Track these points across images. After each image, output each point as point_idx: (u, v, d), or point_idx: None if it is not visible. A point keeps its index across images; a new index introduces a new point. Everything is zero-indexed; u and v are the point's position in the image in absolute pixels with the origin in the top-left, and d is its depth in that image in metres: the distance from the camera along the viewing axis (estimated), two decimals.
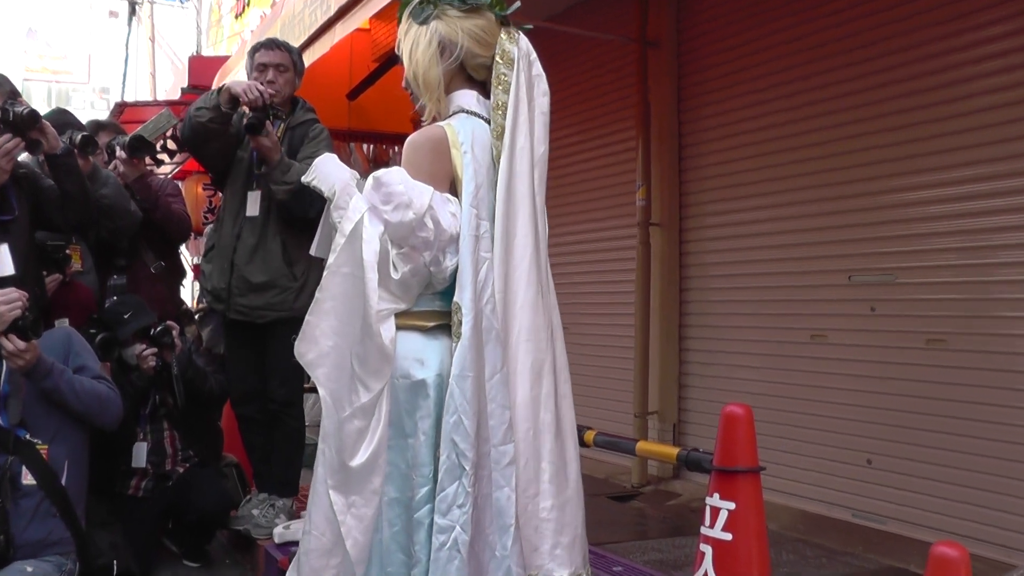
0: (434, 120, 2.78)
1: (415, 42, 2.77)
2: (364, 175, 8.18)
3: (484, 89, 2.80)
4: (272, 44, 4.95)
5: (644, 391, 6.30)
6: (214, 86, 6.66)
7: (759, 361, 5.67)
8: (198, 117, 4.72)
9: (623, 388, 6.59)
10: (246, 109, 4.64)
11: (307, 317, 2.57)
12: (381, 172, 2.58)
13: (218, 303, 4.96)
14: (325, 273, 2.60)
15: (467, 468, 2.47)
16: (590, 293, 7.14)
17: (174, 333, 4.83)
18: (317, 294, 2.58)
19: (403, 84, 2.86)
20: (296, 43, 5.48)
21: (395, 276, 2.57)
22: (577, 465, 2.75)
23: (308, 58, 5.57)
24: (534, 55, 2.81)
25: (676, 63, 6.35)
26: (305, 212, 4.68)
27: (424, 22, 2.77)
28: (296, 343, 2.57)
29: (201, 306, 6.31)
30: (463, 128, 2.68)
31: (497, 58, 2.74)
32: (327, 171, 2.72)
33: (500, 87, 2.71)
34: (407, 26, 2.81)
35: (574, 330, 7.16)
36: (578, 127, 7.30)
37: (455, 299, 2.55)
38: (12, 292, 3.73)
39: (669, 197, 6.32)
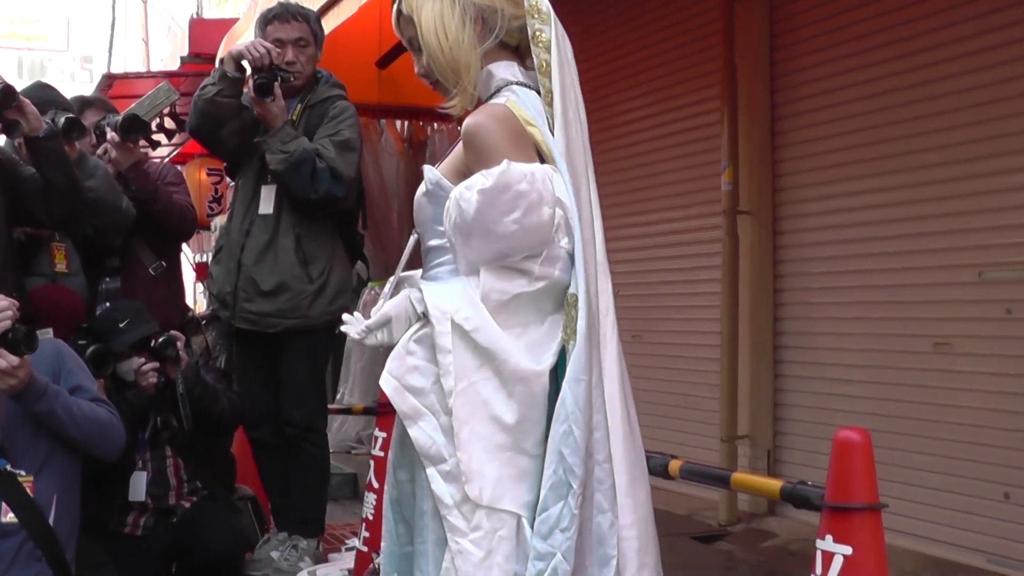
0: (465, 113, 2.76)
1: (439, 16, 2.68)
2: (397, 156, 8.24)
3: (519, 55, 2.79)
4: (287, 14, 4.99)
5: (733, 411, 6.28)
6: (219, 55, 6.74)
7: (871, 375, 5.62)
8: (203, 94, 4.80)
9: (707, 407, 6.57)
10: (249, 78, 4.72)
11: (459, 456, 2.56)
12: (483, 179, 2.49)
13: (223, 309, 5.02)
14: (453, 402, 2.54)
15: (575, 486, 2.49)
16: (667, 295, 7.12)
17: (178, 344, 4.87)
18: (455, 426, 2.53)
19: (419, 71, 2.79)
20: (317, 3, 5.53)
21: (541, 309, 2.58)
22: (647, 476, 2.79)
23: (332, 21, 5.63)
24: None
25: (768, 16, 6.33)
26: (305, 192, 4.74)
27: None
28: (467, 489, 2.53)
29: (206, 312, 6.38)
30: (525, 103, 2.67)
31: (528, 13, 2.70)
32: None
33: (540, 45, 2.68)
34: None
35: (648, 339, 7.17)
36: (649, 97, 7.29)
37: (571, 290, 2.56)
38: (1, 299, 3.75)
39: (760, 180, 6.29)
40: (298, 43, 4.95)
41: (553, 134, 2.63)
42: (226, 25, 9.64)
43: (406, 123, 9.81)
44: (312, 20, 5.09)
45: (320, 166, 4.77)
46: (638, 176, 7.33)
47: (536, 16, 2.68)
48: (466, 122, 2.63)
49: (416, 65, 2.80)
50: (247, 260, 4.93)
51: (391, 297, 2.72)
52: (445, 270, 2.69)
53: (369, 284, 8.43)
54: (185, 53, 10.65)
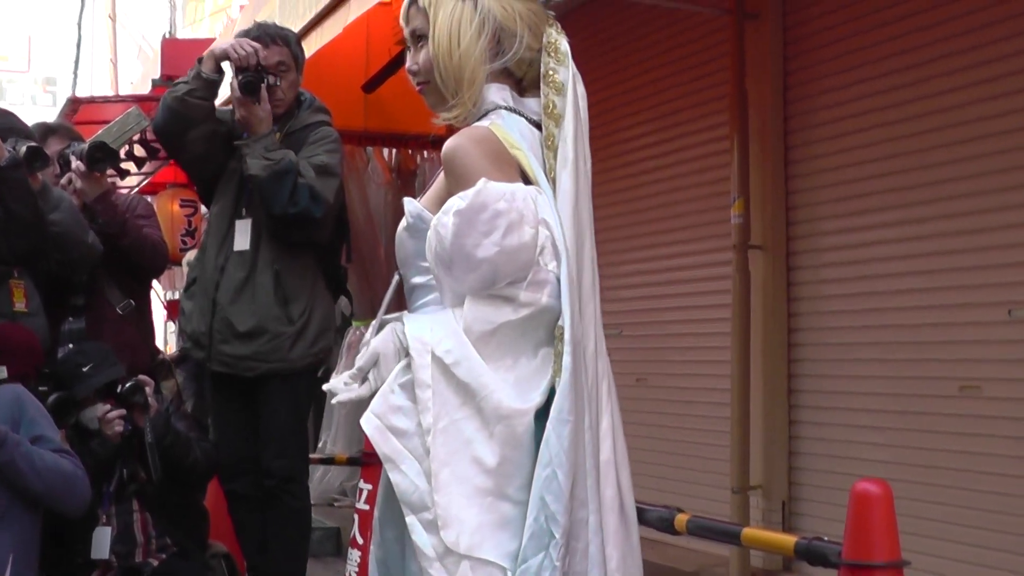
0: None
1: (458, 20, 2.71)
2: (384, 186, 8.27)
3: (519, 86, 2.81)
4: (266, 37, 5.00)
5: (745, 460, 6.26)
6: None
7: (893, 421, 5.61)
8: (175, 92, 4.82)
9: (717, 456, 6.54)
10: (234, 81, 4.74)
11: (437, 499, 2.55)
12: (459, 201, 2.50)
13: (198, 350, 5.02)
14: (432, 441, 2.53)
15: (557, 536, 2.47)
16: (673, 335, 7.11)
17: (147, 390, 4.86)
18: (433, 467, 2.52)
19: (411, 66, 2.80)
20: (299, 23, 5.57)
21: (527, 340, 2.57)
22: (636, 525, 2.77)
23: (315, 42, 5.65)
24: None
25: (781, 38, 6.35)
26: (283, 206, 4.75)
27: None
28: (443, 535, 2.54)
29: (175, 352, 6.37)
30: (510, 127, 2.69)
31: (545, 50, 2.73)
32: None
33: (552, 86, 2.71)
34: None
35: (653, 382, 7.16)
36: (654, 124, 7.30)
37: (558, 321, 2.56)
38: None
39: (773, 212, 6.31)
40: (279, 68, 4.97)
41: (552, 178, 2.65)
42: (201, 45, 9.66)
43: (394, 151, 9.83)
44: (292, 43, 5.11)
45: (301, 181, 4.79)
46: (641, 208, 7.34)
47: (553, 55, 2.72)
48: (445, 145, 2.65)
49: (409, 59, 2.81)
50: (222, 299, 4.93)
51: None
52: (430, 310, 2.69)
53: (353, 323, 8.43)
54: (157, 76, 10.66)
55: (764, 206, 6.32)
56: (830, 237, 6.06)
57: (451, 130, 2.78)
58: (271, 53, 4.95)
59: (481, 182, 2.51)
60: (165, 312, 12.82)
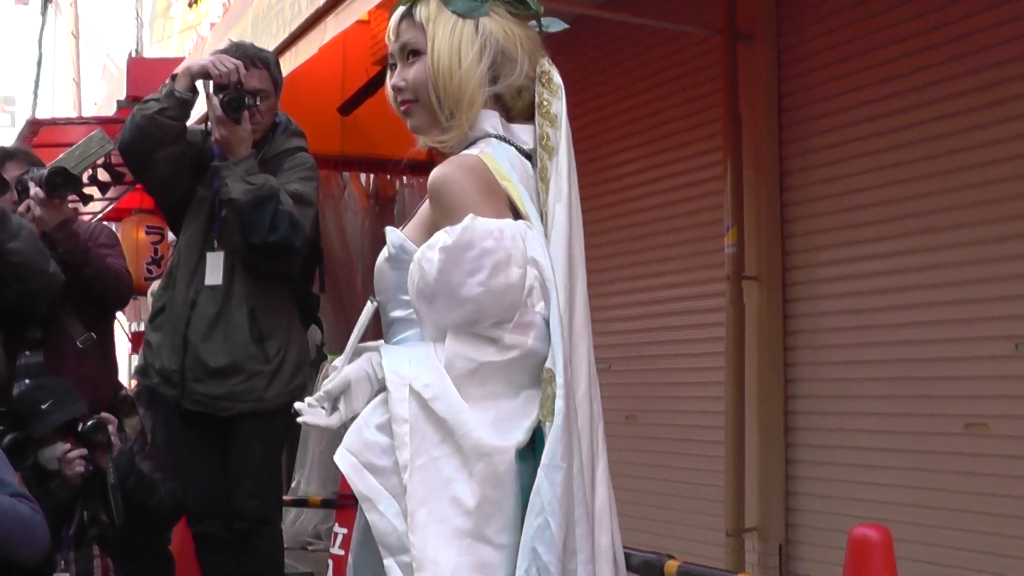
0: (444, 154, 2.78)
1: (459, 41, 2.70)
2: (362, 213, 8.26)
3: (507, 112, 2.81)
4: (245, 59, 4.96)
5: (740, 501, 6.26)
6: None
7: (894, 460, 5.62)
8: (144, 109, 4.79)
9: (711, 497, 6.54)
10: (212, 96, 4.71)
11: (412, 540, 2.54)
12: (445, 236, 2.50)
13: (168, 388, 4.99)
14: (410, 479, 2.53)
15: None
16: (664, 371, 7.11)
17: (110, 428, 4.84)
18: (410, 506, 2.53)
19: (398, 82, 2.77)
20: (273, 42, 5.57)
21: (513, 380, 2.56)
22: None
23: (289, 62, 5.64)
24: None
25: (776, 59, 6.38)
26: (263, 234, 4.73)
27: (469, 14, 2.71)
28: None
29: (136, 387, 6.34)
30: (500, 157, 2.69)
31: (539, 80, 2.75)
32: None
33: (546, 118, 2.73)
34: (436, 8, 2.73)
35: (644, 420, 7.16)
36: (643, 148, 7.32)
37: (547, 364, 2.55)
38: None
39: (768, 241, 6.32)
40: (258, 94, 4.94)
41: (544, 211, 2.65)
42: (170, 65, 9.65)
43: (372, 176, 9.84)
44: (272, 66, 5.08)
45: (281, 208, 4.77)
46: (630, 237, 7.35)
47: (547, 86, 2.74)
48: (432, 174, 2.64)
49: (396, 76, 2.79)
50: (194, 336, 4.90)
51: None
52: (410, 345, 2.68)
53: (329, 358, 8.41)
54: (123, 96, 10.65)
55: (759, 235, 6.33)
56: (828, 268, 6.07)
57: (431, 155, 2.79)
58: (250, 76, 4.91)
59: (468, 218, 2.50)
60: (130, 345, 12.77)
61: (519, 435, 2.52)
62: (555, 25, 2.83)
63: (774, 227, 6.33)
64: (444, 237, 2.51)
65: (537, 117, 2.73)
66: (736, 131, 6.39)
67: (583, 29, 7.42)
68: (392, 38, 2.82)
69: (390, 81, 2.81)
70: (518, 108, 2.79)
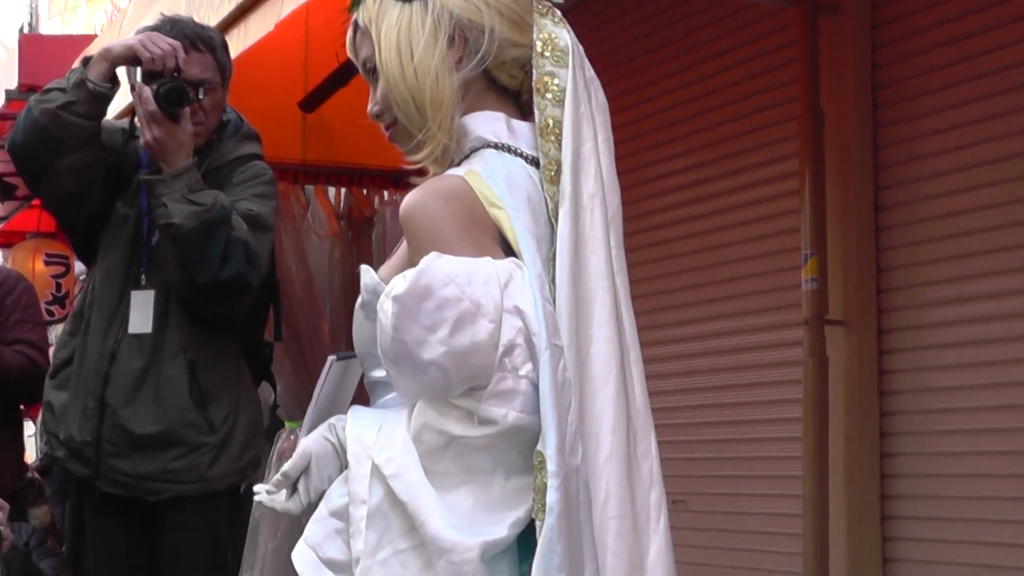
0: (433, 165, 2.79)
1: (405, 28, 2.71)
2: (330, 238, 8.31)
3: (516, 102, 2.83)
4: (183, 39, 4.90)
5: None
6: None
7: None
8: (44, 101, 4.72)
9: None
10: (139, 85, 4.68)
11: None
12: (401, 282, 2.52)
13: (78, 465, 4.97)
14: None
15: None
16: (722, 442, 7.14)
17: (0, 516, 4.85)
18: None
19: (372, 109, 2.83)
20: (216, 17, 5.56)
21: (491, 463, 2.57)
22: None
23: (238, 42, 5.63)
24: (580, 47, 2.81)
25: (870, 41, 6.40)
26: (212, 270, 4.67)
27: None
28: None
29: (36, 461, 6.37)
30: (494, 175, 2.68)
31: (537, 49, 2.74)
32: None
33: (548, 97, 2.72)
34: (375, 3, 2.76)
35: (695, 506, 7.16)
36: (696, 155, 7.34)
37: (538, 446, 2.54)
38: None
39: (859, 276, 6.34)
40: (204, 86, 4.90)
41: (554, 222, 2.66)
42: (75, 44, 9.66)
43: (343, 191, 9.79)
44: (218, 48, 5.01)
45: (234, 235, 4.70)
46: (673, 270, 7.36)
47: (548, 54, 2.73)
48: (403, 202, 2.66)
49: (370, 101, 2.83)
50: (113, 398, 4.86)
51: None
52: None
53: (287, 425, 8.40)
54: (13, 85, 10.64)
55: (847, 267, 6.34)
56: (937, 309, 6.08)
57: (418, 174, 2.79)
58: (191, 62, 4.82)
59: (428, 258, 2.51)
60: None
61: (497, 530, 2.53)
62: None
63: (867, 257, 6.34)
64: (400, 283, 2.52)
65: (536, 99, 2.73)
66: (817, 133, 6.39)
67: (619, 3, 7.48)
68: (353, 57, 2.88)
69: (368, 108, 2.85)
70: (527, 90, 2.78)
